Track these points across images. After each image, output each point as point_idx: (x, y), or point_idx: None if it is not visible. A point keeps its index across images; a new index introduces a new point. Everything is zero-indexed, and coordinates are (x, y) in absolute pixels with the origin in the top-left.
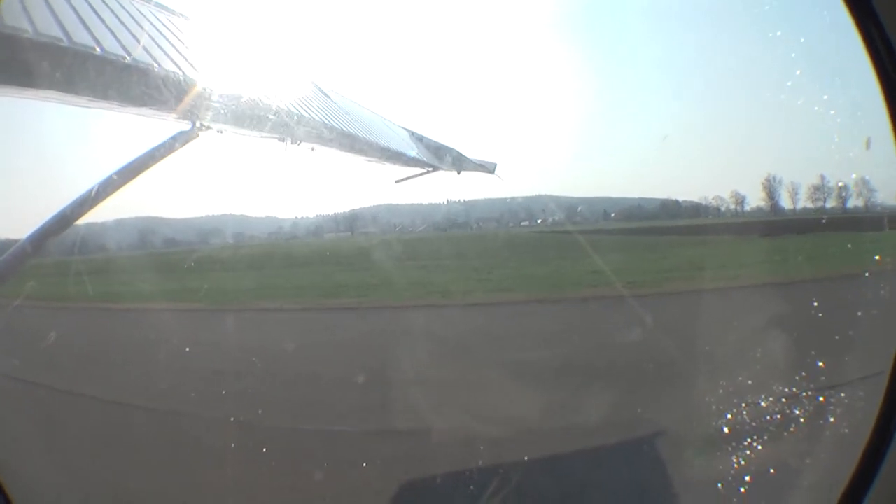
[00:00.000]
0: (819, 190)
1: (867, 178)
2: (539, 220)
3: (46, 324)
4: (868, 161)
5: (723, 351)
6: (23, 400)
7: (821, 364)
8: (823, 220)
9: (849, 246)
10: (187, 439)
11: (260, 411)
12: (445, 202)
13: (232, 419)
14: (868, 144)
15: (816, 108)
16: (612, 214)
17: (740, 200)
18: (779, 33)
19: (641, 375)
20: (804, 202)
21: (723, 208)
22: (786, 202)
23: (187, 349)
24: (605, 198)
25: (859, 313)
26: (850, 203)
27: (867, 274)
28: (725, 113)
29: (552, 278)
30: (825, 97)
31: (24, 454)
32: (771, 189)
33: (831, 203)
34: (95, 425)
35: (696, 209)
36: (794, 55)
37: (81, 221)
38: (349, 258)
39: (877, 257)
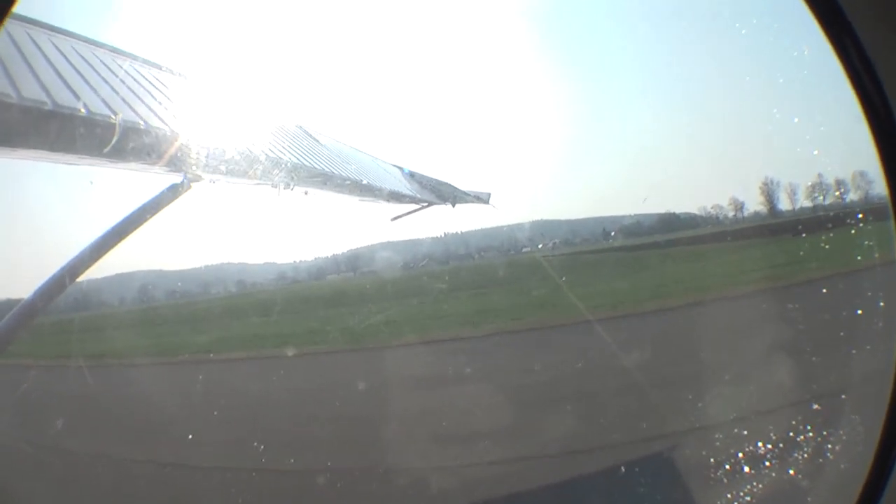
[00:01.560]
0: (817, 188)
1: (864, 171)
2: (539, 245)
3: (65, 385)
4: (863, 156)
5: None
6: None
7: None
8: (826, 217)
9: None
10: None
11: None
12: (443, 235)
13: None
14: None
15: (807, 106)
16: (612, 233)
17: (739, 206)
18: (769, 38)
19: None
20: (803, 202)
21: (721, 216)
22: (785, 203)
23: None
24: (601, 217)
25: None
26: (848, 198)
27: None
28: (715, 120)
29: (640, 291)
30: (815, 95)
31: None
32: (769, 192)
33: (830, 200)
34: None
35: (695, 220)
36: (781, 57)
37: (82, 278)
38: (378, 296)
39: (876, 254)
